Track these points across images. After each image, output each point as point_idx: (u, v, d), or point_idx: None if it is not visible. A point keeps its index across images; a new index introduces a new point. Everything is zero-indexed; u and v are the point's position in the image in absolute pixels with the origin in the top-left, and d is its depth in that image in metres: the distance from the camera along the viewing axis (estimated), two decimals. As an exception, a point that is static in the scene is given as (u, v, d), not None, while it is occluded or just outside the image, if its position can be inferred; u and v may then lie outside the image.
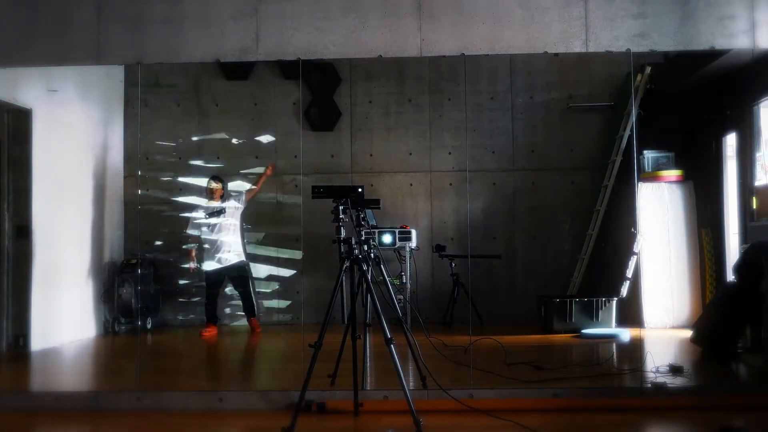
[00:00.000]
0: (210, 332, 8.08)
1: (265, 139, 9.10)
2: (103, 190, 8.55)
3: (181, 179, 9.07)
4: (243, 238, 8.40)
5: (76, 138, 7.94)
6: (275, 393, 4.82)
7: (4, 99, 6.74)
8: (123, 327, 8.34)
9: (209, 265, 8.17)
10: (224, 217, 8.22)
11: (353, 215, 4.54)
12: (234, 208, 8.29)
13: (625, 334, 7.20)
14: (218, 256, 8.16)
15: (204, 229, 8.22)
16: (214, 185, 8.30)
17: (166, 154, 9.09)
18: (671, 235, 7.93)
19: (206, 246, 8.21)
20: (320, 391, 4.67)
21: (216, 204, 8.26)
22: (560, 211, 8.92)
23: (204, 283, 8.38)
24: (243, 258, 8.30)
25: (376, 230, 8.01)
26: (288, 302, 8.89)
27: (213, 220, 8.19)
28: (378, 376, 5.22)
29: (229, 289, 8.70)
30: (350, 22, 5.34)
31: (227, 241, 8.19)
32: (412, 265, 8.23)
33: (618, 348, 6.94)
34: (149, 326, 8.44)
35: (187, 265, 8.22)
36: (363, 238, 4.57)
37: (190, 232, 8.28)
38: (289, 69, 8.86)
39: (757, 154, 6.93)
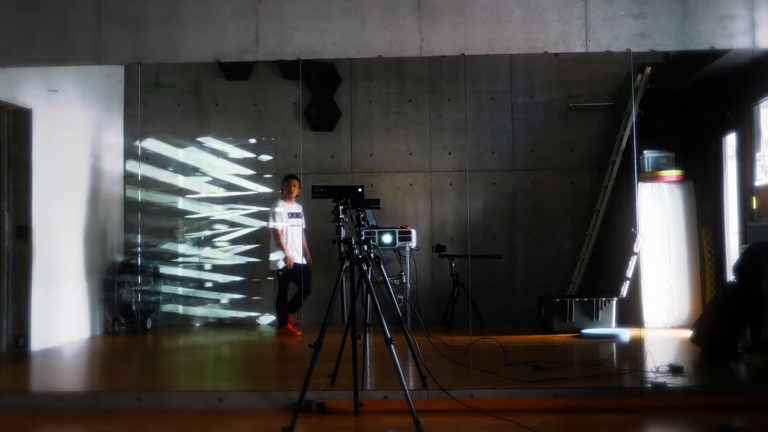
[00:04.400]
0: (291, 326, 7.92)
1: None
2: (103, 190, 8.54)
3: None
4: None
5: (76, 138, 7.94)
6: (275, 393, 4.82)
7: (4, 99, 6.74)
8: (123, 327, 8.34)
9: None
10: (300, 219, 8.06)
11: (353, 215, 4.54)
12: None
13: (625, 334, 7.20)
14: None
15: (283, 227, 8.00)
16: (295, 188, 8.04)
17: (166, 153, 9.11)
18: (671, 235, 7.93)
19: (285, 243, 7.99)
20: (320, 391, 4.67)
21: (293, 205, 8.05)
22: (560, 211, 8.92)
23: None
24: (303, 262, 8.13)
25: (376, 230, 8.01)
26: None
27: (293, 221, 8.02)
28: (378, 376, 5.22)
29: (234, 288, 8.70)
30: (350, 22, 5.34)
31: (298, 241, 8.07)
32: (412, 265, 8.23)
33: (618, 348, 6.94)
34: (149, 326, 8.44)
35: (283, 264, 7.91)
36: (363, 238, 4.57)
37: (274, 225, 8.00)
38: (289, 69, 8.86)
39: (757, 154, 6.93)
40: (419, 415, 4.02)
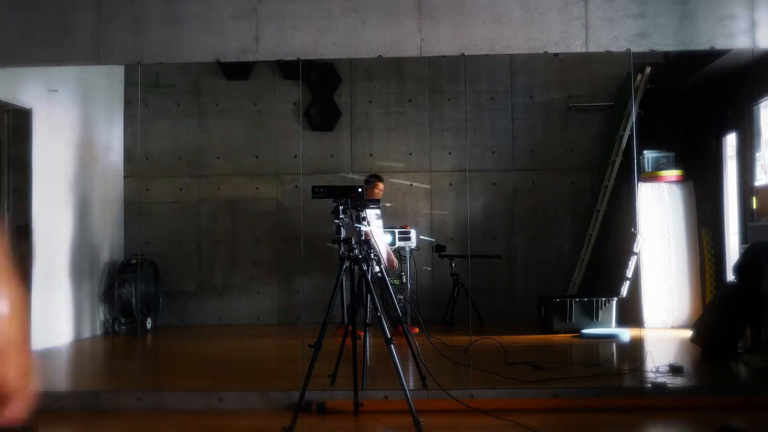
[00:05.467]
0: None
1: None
2: (103, 190, 8.54)
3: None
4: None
5: (76, 138, 7.94)
6: (275, 393, 4.82)
7: (4, 99, 6.74)
8: (123, 327, 8.33)
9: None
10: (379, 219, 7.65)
11: (353, 215, 4.54)
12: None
13: (625, 334, 7.20)
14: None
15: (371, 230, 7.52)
16: (380, 191, 7.69)
17: (166, 154, 9.10)
18: (671, 235, 7.93)
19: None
20: (320, 391, 4.67)
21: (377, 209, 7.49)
22: (560, 211, 8.92)
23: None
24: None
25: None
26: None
27: (380, 223, 7.60)
28: (378, 376, 5.22)
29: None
30: (350, 22, 5.33)
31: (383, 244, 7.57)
32: (412, 265, 8.23)
33: (618, 348, 6.94)
34: (149, 326, 8.43)
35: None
36: (363, 238, 4.57)
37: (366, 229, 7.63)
38: (289, 69, 8.86)
39: (757, 154, 6.93)
40: (419, 415, 4.02)
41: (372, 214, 7.61)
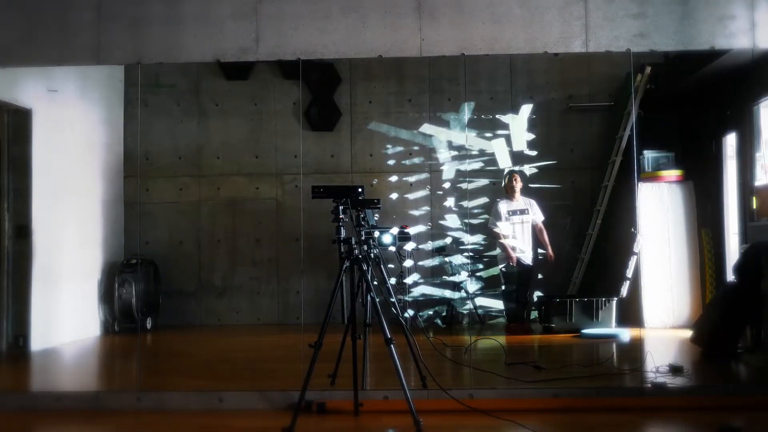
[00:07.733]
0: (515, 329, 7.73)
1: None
2: (103, 190, 8.54)
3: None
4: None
5: (76, 138, 7.94)
6: (275, 393, 4.82)
7: (4, 99, 6.74)
8: (123, 327, 8.33)
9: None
10: (526, 215, 7.93)
11: (353, 215, 4.54)
12: (531, 213, 7.97)
13: (625, 334, 7.20)
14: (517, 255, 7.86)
15: (506, 225, 7.87)
16: (517, 183, 7.95)
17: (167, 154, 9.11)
18: (671, 235, 7.92)
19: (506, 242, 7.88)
20: (320, 391, 4.67)
21: (515, 202, 7.93)
22: (560, 211, 8.91)
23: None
24: (530, 261, 7.99)
25: (376, 230, 7.98)
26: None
27: (514, 219, 7.90)
28: (378, 376, 5.22)
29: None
30: (350, 22, 5.33)
31: (522, 239, 7.90)
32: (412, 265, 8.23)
33: (618, 348, 6.94)
34: (149, 326, 8.43)
35: (504, 262, 7.85)
36: (363, 238, 4.57)
37: (491, 226, 7.96)
38: (289, 69, 8.86)
39: (757, 154, 6.92)
40: (419, 415, 4.02)
41: (504, 211, 7.86)
